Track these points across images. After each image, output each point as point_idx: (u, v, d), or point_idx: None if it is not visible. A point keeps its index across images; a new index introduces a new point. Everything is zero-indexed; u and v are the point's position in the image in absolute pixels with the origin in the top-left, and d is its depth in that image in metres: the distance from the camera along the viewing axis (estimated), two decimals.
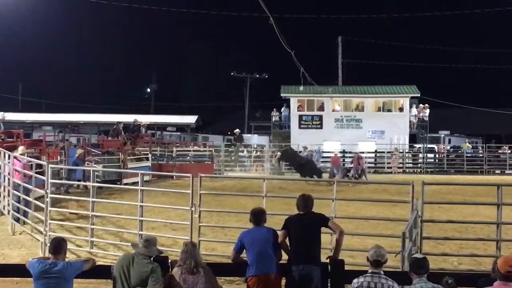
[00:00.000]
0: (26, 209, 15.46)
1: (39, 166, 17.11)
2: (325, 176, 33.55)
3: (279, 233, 8.53)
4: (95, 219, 14.23)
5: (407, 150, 45.10)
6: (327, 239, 9.39)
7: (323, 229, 8.62)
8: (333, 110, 47.45)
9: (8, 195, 16.89)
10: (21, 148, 19.00)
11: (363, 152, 37.84)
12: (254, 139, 56.53)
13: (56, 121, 51.64)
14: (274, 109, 50.09)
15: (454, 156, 45.74)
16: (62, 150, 28.60)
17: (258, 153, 44.20)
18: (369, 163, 42.58)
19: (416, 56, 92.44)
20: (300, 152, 38.95)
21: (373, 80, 52.01)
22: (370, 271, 7.09)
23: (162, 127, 53.83)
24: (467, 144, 50.72)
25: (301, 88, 47.80)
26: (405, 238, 8.46)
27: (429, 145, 47.58)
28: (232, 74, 72.58)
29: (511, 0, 61.28)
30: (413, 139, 48.08)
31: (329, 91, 48.00)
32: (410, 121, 47.05)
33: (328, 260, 8.36)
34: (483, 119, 70.15)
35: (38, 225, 14.63)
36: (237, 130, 43.82)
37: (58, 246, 7.57)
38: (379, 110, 47.51)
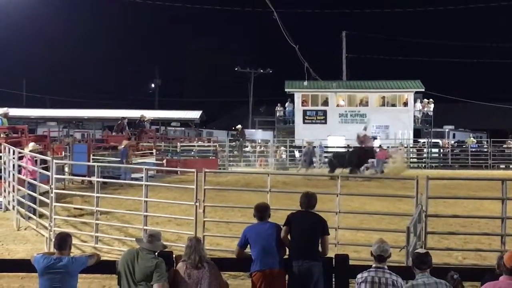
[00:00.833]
0: (35, 206, 15.44)
1: (44, 161, 17.14)
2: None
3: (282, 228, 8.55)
4: (99, 214, 14.26)
5: (411, 145, 45.03)
6: (331, 235, 9.37)
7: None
8: (337, 105, 47.46)
9: (13, 191, 16.89)
10: (31, 145, 18.88)
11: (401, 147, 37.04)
12: (258, 134, 56.54)
13: (60, 117, 51.82)
14: (278, 104, 50.11)
15: (458, 151, 45.69)
16: (67, 145, 28.65)
17: (262, 148, 44.20)
18: None
19: (421, 51, 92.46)
20: (304, 147, 38.92)
21: (377, 75, 52.06)
22: (374, 265, 7.10)
23: (167, 122, 53.96)
24: (472, 138, 50.71)
25: (305, 83, 47.89)
26: (409, 233, 8.45)
27: (433, 140, 47.50)
28: (236, 69, 72.56)
29: None
30: (417, 134, 48.01)
31: (333, 86, 48.04)
32: (414, 116, 47.06)
33: (333, 256, 8.38)
34: (487, 113, 70.15)
35: (43, 220, 14.66)
36: (239, 126, 43.84)
37: (63, 241, 7.57)
38: (383, 105, 47.47)
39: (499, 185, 11.58)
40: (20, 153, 17.36)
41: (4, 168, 18.06)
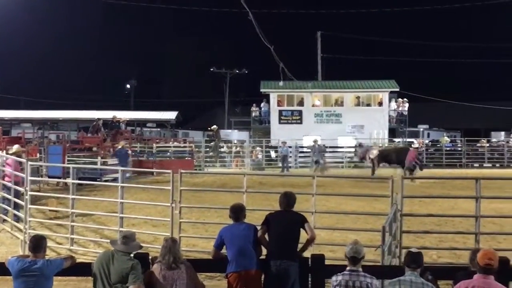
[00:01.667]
0: (9, 208, 15.30)
1: (19, 163, 17.02)
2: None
3: (259, 228, 8.56)
4: (75, 216, 14.19)
5: (386, 145, 45.24)
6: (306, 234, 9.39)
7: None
8: (313, 105, 47.58)
9: None
10: (15, 147, 18.64)
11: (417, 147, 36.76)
12: (234, 135, 56.58)
13: (35, 118, 51.45)
14: (254, 105, 50.16)
15: (433, 150, 45.97)
16: (42, 147, 28.48)
17: (238, 149, 44.19)
18: (348, 157, 42.77)
19: (395, 50, 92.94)
20: (280, 147, 39.03)
21: (353, 75, 52.27)
22: (348, 268, 7.09)
23: (142, 123, 53.80)
24: (446, 138, 51.06)
25: (281, 83, 47.95)
26: (385, 232, 8.49)
27: (408, 139, 47.75)
28: (211, 70, 72.49)
29: None
30: (392, 133, 48.30)
31: (309, 86, 48.17)
32: (389, 116, 47.34)
33: (309, 256, 8.40)
34: (461, 113, 70.80)
35: (18, 223, 14.56)
36: (214, 126, 43.80)
37: (37, 244, 7.52)
38: (358, 104, 47.69)
39: (473, 184, 11.69)
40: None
41: None
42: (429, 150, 45.23)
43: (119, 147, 28.25)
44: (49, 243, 9.98)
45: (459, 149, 44.92)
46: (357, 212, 15.94)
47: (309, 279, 8.22)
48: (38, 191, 20.01)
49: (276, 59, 47.72)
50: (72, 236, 13.65)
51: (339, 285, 7.00)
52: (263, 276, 8.33)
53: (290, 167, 39.27)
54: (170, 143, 42.31)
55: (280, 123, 47.27)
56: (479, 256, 6.64)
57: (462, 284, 6.69)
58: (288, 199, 8.77)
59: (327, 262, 8.34)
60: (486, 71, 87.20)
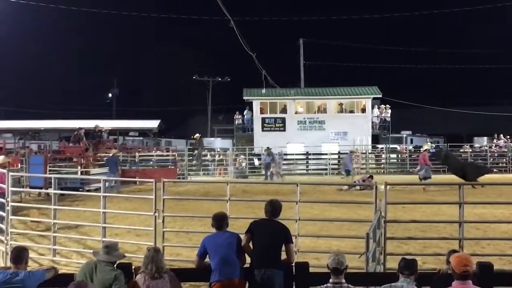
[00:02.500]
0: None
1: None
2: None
3: (243, 236, 8.51)
4: (57, 227, 14.08)
5: (370, 151, 45.36)
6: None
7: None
8: (296, 112, 47.67)
9: None
10: (1, 158, 18.42)
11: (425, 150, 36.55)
12: (217, 143, 56.50)
13: (16, 128, 50.95)
14: (237, 112, 50.22)
15: (416, 156, 46.06)
16: (23, 157, 28.31)
17: (222, 157, 44.15)
18: (332, 164, 42.86)
19: (377, 57, 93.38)
20: (263, 155, 39.03)
21: (335, 82, 52.40)
22: (331, 281, 7.02)
23: (124, 132, 53.48)
24: (429, 143, 51.19)
25: (263, 91, 48.02)
26: (369, 239, 8.47)
27: (391, 146, 47.93)
28: (194, 77, 72.36)
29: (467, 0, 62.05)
30: (375, 139, 48.46)
31: (291, 94, 48.24)
32: (372, 122, 47.54)
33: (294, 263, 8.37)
34: (444, 119, 71.16)
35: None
36: (197, 134, 43.70)
37: (19, 255, 7.45)
38: (341, 111, 47.80)
39: (456, 189, 11.71)
40: None
41: None
42: (413, 156, 45.31)
43: (111, 155, 28.23)
44: (31, 254, 9.88)
45: None
46: (341, 219, 15.93)
47: (293, 287, 8.19)
48: (20, 201, 19.87)
49: (259, 67, 47.87)
50: (54, 247, 13.54)
51: None
52: (247, 285, 8.29)
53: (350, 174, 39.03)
54: (153, 152, 42.21)
55: (263, 130, 47.28)
56: (454, 264, 6.63)
57: None
58: (273, 207, 8.72)
59: (311, 269, 8.31)
60: (468, 76, 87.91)
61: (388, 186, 11.45)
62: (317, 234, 13.92)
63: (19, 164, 26.55)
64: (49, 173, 22.94)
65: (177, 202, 17.58)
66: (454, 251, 7.63)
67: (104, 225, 12.99)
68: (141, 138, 60.79)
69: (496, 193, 23.02)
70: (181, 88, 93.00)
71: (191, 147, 45.28)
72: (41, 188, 22.47)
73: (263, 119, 47.57)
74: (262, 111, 47.81)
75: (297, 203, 11.99)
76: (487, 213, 17.63)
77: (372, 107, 47.76)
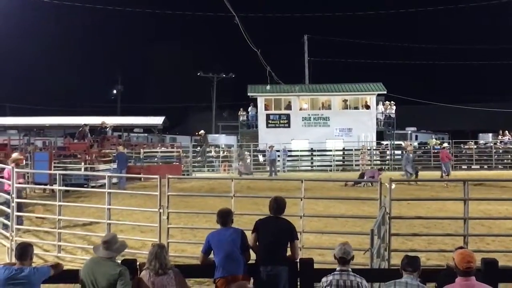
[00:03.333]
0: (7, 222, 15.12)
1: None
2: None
3: (250, 236, 8.49)
4: (62, 223, 14.09)
5: (374, 147, 45.28)
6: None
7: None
8: (300, 109, 47.60)
9: None
10: (15, 155, 18.42)
11: (444, 148, 36.32)
12: (221, 139, 56.50)
13: (21, 125, 51.12)
14: (241, 109, 50.12)
15: (421, 152, 46.03)
16: (28, 153, 28.34)
17: (226, 153, 44.12)
18: (337, 160, 42.83)
19: (382, 53, 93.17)
20: (267, 151, 39.06)
21: (340, 78, 52.44)
22: (338, 268, 7.10)
23: (129, 128, 53.55)
24: (434, 140, 51.12)
25: (268, 87, 47.92)
26: (373, 235, 8.45)
27: (396, 142, 47.80)
28: (198, 74, 72.37)
29: None
30: (380, 136, 48.32)
31: (296, 90, 48.16)
32: (377, 118, 47.43)
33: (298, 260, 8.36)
34: (449, 115, 71.05)
35: (4, 231, 14.45)
36: (202, 131, 43.69)
37: (24, 251, 7.44)
38: (346, 108, 47.69)
39: (461, 186, 11.69)
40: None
41: None
42: (417, 153, 45.26)
43: (120, 151, 28.28)
44: (36, 250, 9.89)
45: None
46: (346, 216, 15.92)
47: (298, 283, 8.19)
48: (25, 198, 19.89)
49: (263, 63, 47.77)
50: (59, 243, 13.56)
51: (329, 285, 6.99)
52: (251, 282, 8.28)
53: (278, 171, 39.30)
54: (158, 148, 42.21)
55: (268, 127, 47.24)
56: (457, 260, 6.61)
57: None
58: (278, 204, 8.70)
59: (316, 266, 8.31)
60: (473, 73, 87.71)
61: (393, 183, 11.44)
62: (321, 230, 13.91)
63: (24, 161, 26.58)
64: (54, 170, 22.93)
65: (182, 198, 17.59)
66: (462, 248, 7.62)
67: (109, 221, 12.98)
68: (146, 134, 60.86)
69: (501, 189, 23.01)
70: (185, 84, 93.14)
71: (195, 143, 45.26)
72: (46, 184, 22.47)
73: (268, 116, 47.52)
74: (266, 107, 47.77)
75: (301, 200, 11.98)
76: (491, 209, 17.62)
77: (377, 104, 47.67)
